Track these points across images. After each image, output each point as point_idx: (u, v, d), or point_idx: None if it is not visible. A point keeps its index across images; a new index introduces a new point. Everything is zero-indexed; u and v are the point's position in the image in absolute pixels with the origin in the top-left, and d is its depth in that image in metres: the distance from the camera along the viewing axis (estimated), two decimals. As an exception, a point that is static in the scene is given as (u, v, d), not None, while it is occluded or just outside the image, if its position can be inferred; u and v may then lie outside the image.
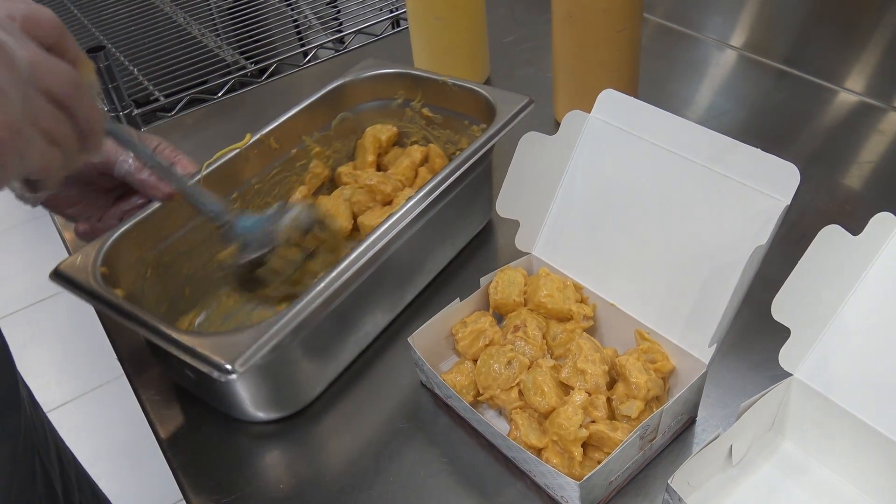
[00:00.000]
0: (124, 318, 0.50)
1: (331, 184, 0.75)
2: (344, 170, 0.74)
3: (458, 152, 0.73)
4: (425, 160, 0.74)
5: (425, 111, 0.74)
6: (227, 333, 0.48)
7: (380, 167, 0.75)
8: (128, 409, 1.54)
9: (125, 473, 1.54)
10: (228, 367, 0.45)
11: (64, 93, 0.39)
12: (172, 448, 0.55)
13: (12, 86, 0.35)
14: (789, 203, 0.47)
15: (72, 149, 0.40)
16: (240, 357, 0.46)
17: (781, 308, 0.46)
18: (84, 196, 0.61)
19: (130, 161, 0.58)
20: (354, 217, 0.70)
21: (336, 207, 0.68)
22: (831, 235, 0.45)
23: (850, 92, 0.86)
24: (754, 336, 0.58)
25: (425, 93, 0.74)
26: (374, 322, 0.60)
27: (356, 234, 0.70)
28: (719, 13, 0.99)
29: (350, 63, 1.07)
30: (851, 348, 0.47)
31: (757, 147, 0.49)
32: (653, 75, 0.91)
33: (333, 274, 0.51)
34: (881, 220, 0.46)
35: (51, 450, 0.70)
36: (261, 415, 0.55)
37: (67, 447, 0.77)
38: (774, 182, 0.47)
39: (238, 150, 0.64)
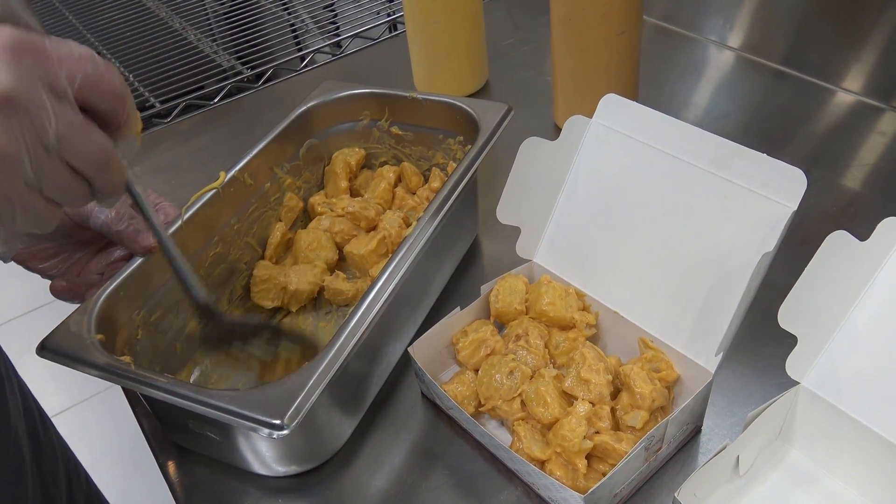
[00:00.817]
0: (140, 385, 0.46)
1: (304, 215, 0.72)
2: (316, 199, 0.71)
3: (433, 168, 0.72)
4: (399, 180, 0.73)
5: (394, 129, 0.73)
6: (264, 388, 0.45)
7: (352, 192, 0.73)
8: (125, 417, 1.54)
9: (123, 481, 1.53)
10: (277, 422, 0.43)
11: (89, 167, 0.37)
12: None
13: (30, 155, 0.34)
14: (796, 209, 0.46)
15: (78, 205, 0.39)
16: (289, 410, 0.43)
17: (788, 315, 0.46)
18: (60, 249, 0.57)
19: (107, 211, 0.54)
20: (339, 247, 0.68)
21: (318, 240, 0.66)
22: (838, 241, 0.44)
23: (850, 92, 0.85)
24: (759, 342, 0.57)
25: (392, 111, 0.72)
26: (394, 353, 0.58)
27: (342, 264, 0.68)
28: (717, 14, 0.99)
29: (348, 67, 1.07)
30: (860, 356, 0.46)
31: (757, 149, 0.48)
32: (651, 77, 0.90)
33: (362, 310, 0.49)
34: (889, 225, 0.45)
35: (59, 472, 0.68)
36: (291, 468, 0.52)
37: (81, 467, 0.75)
38: (781, 187, 0.47)
39: (215, 191, 0.61)
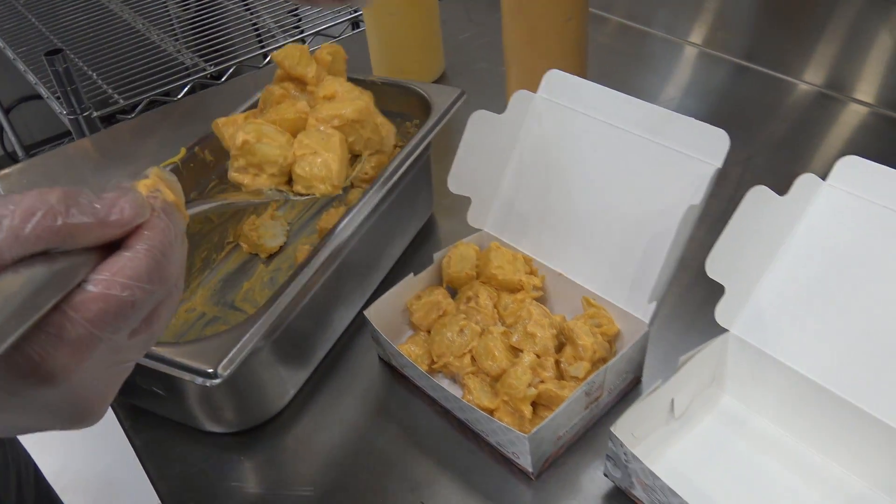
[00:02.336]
0: None
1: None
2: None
3: (398, 148, 0.75)
4: None
5: None
6: (202, 340, 0.47)
7: None
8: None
9: (96, 484, 1.53)
10: (211, 370, 0.45)
11: None
12: (154, 469, 0.55)
13: None
14: (720, 166, 0.49)
15: None
16: (223, 360, 0.45)
17: (715, 266, 0.49)
18: None
19: None
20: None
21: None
22: (759, 196, 0.48)
23: (810, 84, 0.89)
24: (699, 302, 0.60)
25: None
26: (340, 319, 0.61)
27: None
28: (680, 11, 1.02)
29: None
30: (782, 303, 0.49)
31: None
32: (617, 73, 0.94)
33: (302, 272, 0.52)
34: (805, 180, 0.49)
35: (9, 472, 0.68)
36: (238, 424, 0.55)
37: (31, 463, 0.75)
38: (707, 148, 0.50)
39: (174, 165, 0.62)
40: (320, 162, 0.46)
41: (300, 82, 0.51)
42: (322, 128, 0.47)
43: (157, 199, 0.30)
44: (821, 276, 0.48)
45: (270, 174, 0.46)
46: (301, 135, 0.47)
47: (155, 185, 0.31)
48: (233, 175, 0.47)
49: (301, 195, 0.46)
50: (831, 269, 0.48)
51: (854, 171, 0.49)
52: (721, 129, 0.49)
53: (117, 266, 0.27)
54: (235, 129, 0.46)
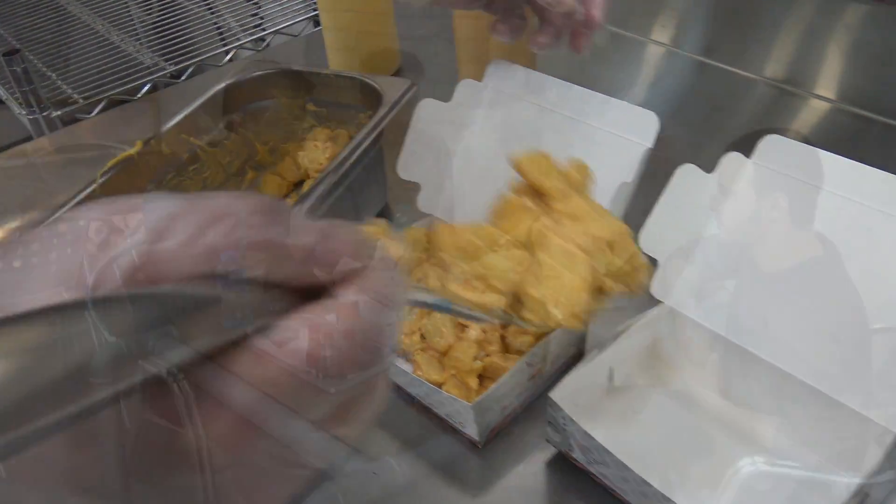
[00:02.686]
0: None
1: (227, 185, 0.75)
2: None
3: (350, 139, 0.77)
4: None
5: (310, 106, 0.77)
6: None
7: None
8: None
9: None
10: None
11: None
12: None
13: None
14: (651, 146, 0.52)
15: None
16: None
17: (648, 240, 0.51)
18: None
19: None
20: None
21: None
22: (687, 173, 0.51)
23: (770, 80, 0.91)
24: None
25: (308, 88, 0.76)
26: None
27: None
28: (638, 8, 1.04)
29: (271, 60, 1.11)
30: (712, 274, 0.52)
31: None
32: (578, 69, 0.95)
33: None
34: (731, 158, 0.52)
35: None
36: None
37: None
38: (638, 129, 0.53)
39: (131, 158, 0.64)
40: (562, 285, 0.37)
41: (539, 194, 0.43)
42: (568, 247, 0.39)
43: (380, 250, 0.21)
44: (748, 248, 0.51)
45: (497, 291, 0.37)
46: (540, 252, 0.39)
47: (378, 237, 0.24)
48: (453, 287, 0.38)
49: (530, 322, 0.38)
50: (757, 241, 0.51)
51: (777, 149, 0.52)
52: (651, 112, 0.52)
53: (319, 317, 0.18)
54: (462, 236, 0.39)
